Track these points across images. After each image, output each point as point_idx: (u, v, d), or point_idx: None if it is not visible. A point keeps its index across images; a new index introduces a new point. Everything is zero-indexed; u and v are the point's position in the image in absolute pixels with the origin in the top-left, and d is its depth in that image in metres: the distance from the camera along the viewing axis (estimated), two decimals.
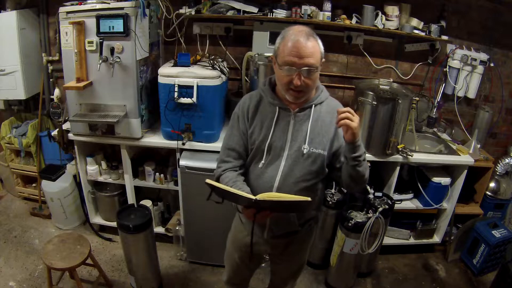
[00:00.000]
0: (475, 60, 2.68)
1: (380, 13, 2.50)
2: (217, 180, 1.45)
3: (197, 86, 2.20)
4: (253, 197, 1.21)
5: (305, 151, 1.39)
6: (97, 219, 2.88)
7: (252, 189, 1.42)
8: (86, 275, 2.48)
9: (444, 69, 2.81)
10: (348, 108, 1.25)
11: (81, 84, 2.19)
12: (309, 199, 1.19)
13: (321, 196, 1.57)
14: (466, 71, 2.74)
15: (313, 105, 1.41)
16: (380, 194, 2.43)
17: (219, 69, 2.29)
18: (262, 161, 1.43)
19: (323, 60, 1.34)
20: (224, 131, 2.21)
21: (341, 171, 1.43)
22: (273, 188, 1.41)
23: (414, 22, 2.54)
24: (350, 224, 2.26)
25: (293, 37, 1.27)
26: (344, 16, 2.51)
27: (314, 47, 1.28)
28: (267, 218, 1.35)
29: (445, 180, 2.55)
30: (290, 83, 1.30)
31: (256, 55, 2.40)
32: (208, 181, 1.26)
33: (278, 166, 1.41)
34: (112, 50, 2.15)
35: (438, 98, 2.79)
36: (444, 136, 2.81)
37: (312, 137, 1.39)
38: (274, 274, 1.82)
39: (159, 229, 2.73)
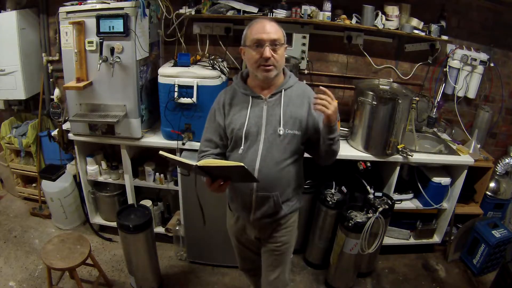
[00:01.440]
0: (475, 60, 2.68)
1: (380, 13, 2.50)
2: None
3: (197, 86, 2.20)
4: (194, 163, 1.32)
5: (281, 132, 1.50)
6: (97, 219, 2.88)
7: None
8: (86, 275, 2.48)
9: (444, 69, 2.81)
10: (324, 95, 1.36)
11: (81, 84, 2.19)
12: (242, 164, 1.27)
13: (301, 174, 1.66)
14: (466, 71, 2.74)
15: (283, 90, 1.53)
16: (380, 194, 2.43)
17: (219, 69, 2.29)
18: (242, 147, 1.53)
19: (286, 46, 1.50)
20: None
21: (316, 147, 1.56)
22: (255, 170, 1.50)
23: (414, 22, 2.54)
24: (350, 224, 2.26)
25: (257, 21, 1.47)
26: (344, 16, 2.51)
27: (276, 26, 1.46)
28: (223, 187, 1.43)
29: (445, 180, 2.55)
30: (260, 59, 1.43)
31: None
32: (161, 152, 1.39)
33: (256, 150, 1.51)
34: (112, 50, 2.15)
35: (438, 98, 2.79)
36: (444, 136, 2.81)
37: (286, 120, 1.51)
38: (263, 261, 1.83)
39: (159, 229, 2.73)
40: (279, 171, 1.52)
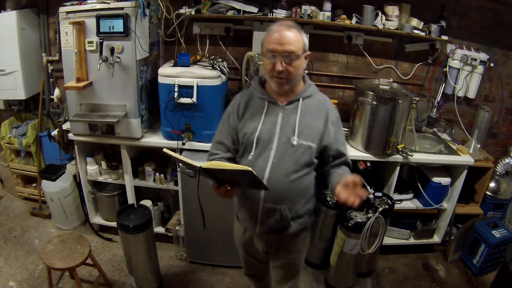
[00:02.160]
0: (475, 60, 2.68)
1: (380, 13, 2.50)
2: None
3: (197, 86, 2.20)
4: (199, 165, 1.26)
5: (294, 142, 1.43)
6: (97, 219, 2.88)
7: None
8: (86, 275, 2.48)
9: (444, 69, 2.81)
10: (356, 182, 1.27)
11: (81, 84, 2.19)
12: (249, 169, 1.20)
13: (313, 190, 1.56)
14: (466, 71, 2.74)
15: (301, 99, 1.48)
16: (380, 194, 2.43)
17: (219, 69, 2.29)
18: (252, 153, 1.47)
19: (308, 52, 1.42)
20: None
21: (321, 164, 1.52)
22: (264, 179, 1.43)
23: (414, 22, 2.54)
24: (350, 224, 2.26)
25: (275, 28, 1.38)
26: (344, 16, 2.51)
27: (294, 36, 1.36)
28: (230, 193, 1.36)
29: (445, 180, 2.55)
30: (273, 70, 1.37)
31: (256, 55, 2.40)
32: (165, 150, 1.35)
33: (267, 158, 1.45)
34: (112, 50, 2.15)
35: (438, 98, 2.79)
36: (444, 136, 2.81)
37: (300, 130, 1.44)
38: (272, 275, 1.81)
39: (159, 229, 2.73)
40: (289, 183, 1.44)
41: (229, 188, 1.34)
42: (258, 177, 1.25)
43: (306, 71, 2.74)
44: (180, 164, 1.35)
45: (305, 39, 1.40)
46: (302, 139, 1.43)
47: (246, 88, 1.67)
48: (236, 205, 1.65)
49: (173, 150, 2.34)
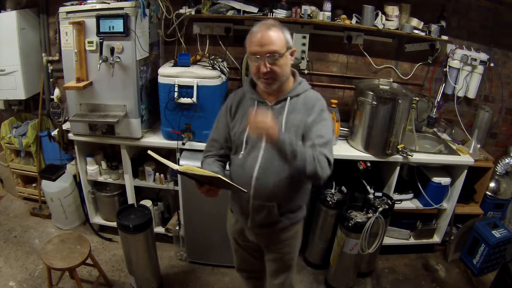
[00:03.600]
0: (475, 60, 2.68)
1: (380, 13, 2.49)
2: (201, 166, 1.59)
3: (197, 86, 2.20)
4: (176, 167, 1.33)
5: None
6: (97, 219, 2.88)
7: (235, 178, 1.53)
8: (86, 275, 2.48)
9: (444, 69, 2.81)
10: (255, 116, 1.26)
11: (81, 84, 2.19)
12: (218, 176, 1.28)
13: (304, 186, 1.58)
14: (466, 71, 2.74)
15: (289, 98, 1.47)
16: (380, 194, 2.43)
17: (219, 69, 2.29)
18: (242, 152, 1.51)
19: (292, 49, 1.42)
20: None
21: None
22: (253, 178, 1.47)
23: (414, 22, 2.54)
24: (350, 224, 2.26)
25: (256, 29, 1.38)
26: (344, 16, 2.51)
27: (275, 35, 1.35)
28: (212, 192, 1.41)
29: (445, 180, 2.55)
30: (259, 71, 1.38)
31: None
32: (149, 152, 1.40)
33: (256, 157, 1.47)
34: (112, 50, 2.15)
35: (438, 98, 2.79)
36: (444, 136, 2.81)
37: (287, 129, 1.44)
38: (267, 267, 1.83)
39: (159, 229, 2.73)
40: (277, 182, 1.46)
41: (210, 188, 1.39)
42: (228, 182, 1.32)
43: (306, 71, 2.77)
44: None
45: (287, 35, 1.39)
46: None
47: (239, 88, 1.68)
48: (230, 198, 1.71)
49: (173, 150, 2.36)
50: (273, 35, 1.35)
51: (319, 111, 1.46)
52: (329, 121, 1.49)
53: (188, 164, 2.27)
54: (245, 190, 1.41)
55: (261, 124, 1.25)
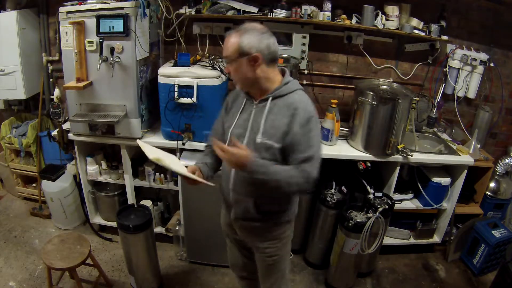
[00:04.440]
0: (475, 60, 2.68)
1: (380, 13, 2.50)
2: None
3: (197, 86, 2.20)
4: (150, 156, 1.44)
5: (258, 140, 1.45)
6: (97, 219, 2.88)
7: (222, 170, 1.65)
8: (86, 275, 2.48)
9: (444, 69, 2.81)
10: (219, 147, 1.34)
11: (81, 84, 2.19)
12: (174, 169, 1.42)
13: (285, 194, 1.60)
14: (466, 71, 2.74)
15: (270, 98, 1.47)
16: (380, 194, 2.43)
17: (219, 69, 2.29)
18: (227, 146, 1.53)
19: (251, 55, 1.37)
20: None
21: None
22: (231, 171, 1.54)
23: (414, 22, 2.54)
24: (350, 224, 2.26)
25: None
26: (344, 16, 2.51)
27: (227, 41, 1.40)
28: (190, 181, 1.49)
29: (445, 180, 2.55)
30: None
31: None
32: (138, 141, 1.54)
33: None
34: (112, 50, 2.15)
35: (438, 98, 2.79)
36: (444, 136, 2.81)
37: (265, 129, 1.45)
38: (258, 267, 1.83)
39: (159, 229, 2.73)
40: (253, 180, 1.40)
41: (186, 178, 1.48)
42: (187, 175, 1.46)
43: (306, 71, 2.77)
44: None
45: (245, 41, 1.36)
46: (266, 138, 1.44)
47: None
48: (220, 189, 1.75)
49: (173, 150, 2.36)
50: (228, 41, 1.39)
51: (306, 120, 1.41)
52: (316, 130, 1.45)
53: (188, 164, 2.29)
54: (212, 184, 1.49)
55: (232, 157, 1.31)
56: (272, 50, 1.40)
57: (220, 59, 2.50)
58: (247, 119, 1.50)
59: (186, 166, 1.55)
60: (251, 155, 1.33)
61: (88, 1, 2.14)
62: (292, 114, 1.41)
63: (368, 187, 2.44)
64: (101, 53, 2.13)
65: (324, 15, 2.49)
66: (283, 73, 1.51)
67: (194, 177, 1.47)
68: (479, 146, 2.65)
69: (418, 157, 2.44)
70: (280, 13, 2.48)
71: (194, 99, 2.21)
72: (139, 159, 2.69)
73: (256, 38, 1.37)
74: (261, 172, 1.35)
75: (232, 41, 1.38)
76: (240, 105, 1.55)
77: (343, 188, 2.52)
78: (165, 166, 1.45)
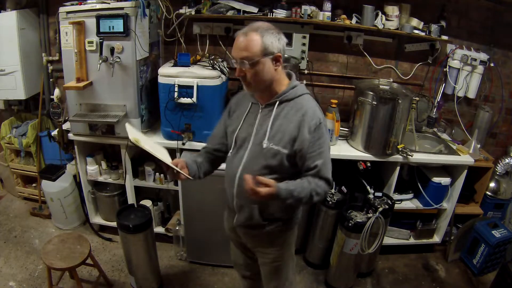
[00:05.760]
0: (475, 60, 2.68)
1: (380, 13, 2.50)
2: None
3: (197, 86, 2.20)
4: (131, 137, 1.40)
5: (264, 145, 1.42)
6: (97, 219, 2.88)
7: (225, 175, 1.59)
8: (86, 275, 2.48)
9: (444, 69, 2.81)
10: (251, 183, 1.29)
11: (81, 84, 2.19)
12: (156, 155, 1.36)
13: None
14: (466, 71, 2.74)
15: (278, 102, 1.43)
16: (380, 194, 2.43)
17: (219, 69, 2.29)
18: (231, 151, 1.54)
19: (275, 55, 1.33)
20: None
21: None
22: (236, 177, 1.49)
23: (414, 22, 2.54)
24: (350, 224, 2.26)
25: (237, 33, 1.36)
26: (344, 16, 2.51)
27: (249, 40, 1.30)
28: (171, 172, 1.45)
29: (445, 180, 2.55)
30: (239, 74, 1.39)
31: None
32: (126, 124, 1.49)
33: (241, 157, 1.49)
34: (112, 50, 2.15)
35: (438, 98, 2.79)
36: (444, 136, 2.81)
37: (272, 134, 1.41)
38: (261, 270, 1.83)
39: (159, 229, 2.73)
40: (257, 185, 1.34)
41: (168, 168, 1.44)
42: (167, 164, 1.41)
43: (306, 71, 2.77)
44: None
45: (268, 40, 1.31)
46: (273, 143, 1.40)
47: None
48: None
49: (173, 150, 2.36)
50: (247, 41, 1.30)
51: (315, 126, 1.38)
52: (326, 136, 1.43)
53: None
54: (191, 178, 1.49)
55: (262, 199, 1.30)
56: (285, 50, 1.39)
57: (220, 59, 2.50)
58: (253, 124, 1.46)
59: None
60: (275, 188, 1.30)
61: (88, 1, 2.14)
62: (300, 119, 1.38)
63: (368, 187, 2.44)
64: (101, 53, 2.13)
65: (324, 15, 2.49)
66: (289, 76, 1.48)
67: (177, 168, 1.42)
68: (479, 146, 2.65)
69: (418, 157, 2.44)
70: (280, 13, 2.48)
71: (194, 99, 2.21)
72: (139, 159, 2.69)
73: (276, 37, 1.33)
74: (287, 198, 1.35)
75: (253, 41, 1.29)
76: (245, 109, 1.50)
77: (343, 188, 2.52)
78: (145, 149, 1.39)
